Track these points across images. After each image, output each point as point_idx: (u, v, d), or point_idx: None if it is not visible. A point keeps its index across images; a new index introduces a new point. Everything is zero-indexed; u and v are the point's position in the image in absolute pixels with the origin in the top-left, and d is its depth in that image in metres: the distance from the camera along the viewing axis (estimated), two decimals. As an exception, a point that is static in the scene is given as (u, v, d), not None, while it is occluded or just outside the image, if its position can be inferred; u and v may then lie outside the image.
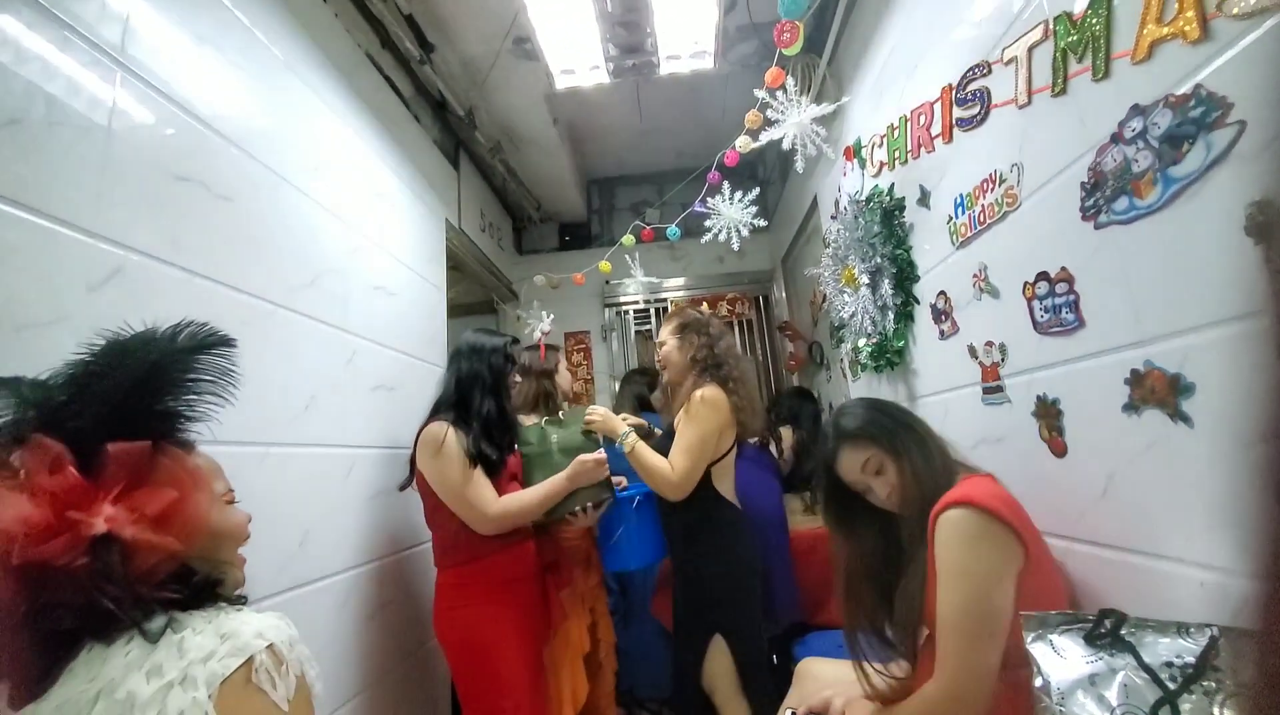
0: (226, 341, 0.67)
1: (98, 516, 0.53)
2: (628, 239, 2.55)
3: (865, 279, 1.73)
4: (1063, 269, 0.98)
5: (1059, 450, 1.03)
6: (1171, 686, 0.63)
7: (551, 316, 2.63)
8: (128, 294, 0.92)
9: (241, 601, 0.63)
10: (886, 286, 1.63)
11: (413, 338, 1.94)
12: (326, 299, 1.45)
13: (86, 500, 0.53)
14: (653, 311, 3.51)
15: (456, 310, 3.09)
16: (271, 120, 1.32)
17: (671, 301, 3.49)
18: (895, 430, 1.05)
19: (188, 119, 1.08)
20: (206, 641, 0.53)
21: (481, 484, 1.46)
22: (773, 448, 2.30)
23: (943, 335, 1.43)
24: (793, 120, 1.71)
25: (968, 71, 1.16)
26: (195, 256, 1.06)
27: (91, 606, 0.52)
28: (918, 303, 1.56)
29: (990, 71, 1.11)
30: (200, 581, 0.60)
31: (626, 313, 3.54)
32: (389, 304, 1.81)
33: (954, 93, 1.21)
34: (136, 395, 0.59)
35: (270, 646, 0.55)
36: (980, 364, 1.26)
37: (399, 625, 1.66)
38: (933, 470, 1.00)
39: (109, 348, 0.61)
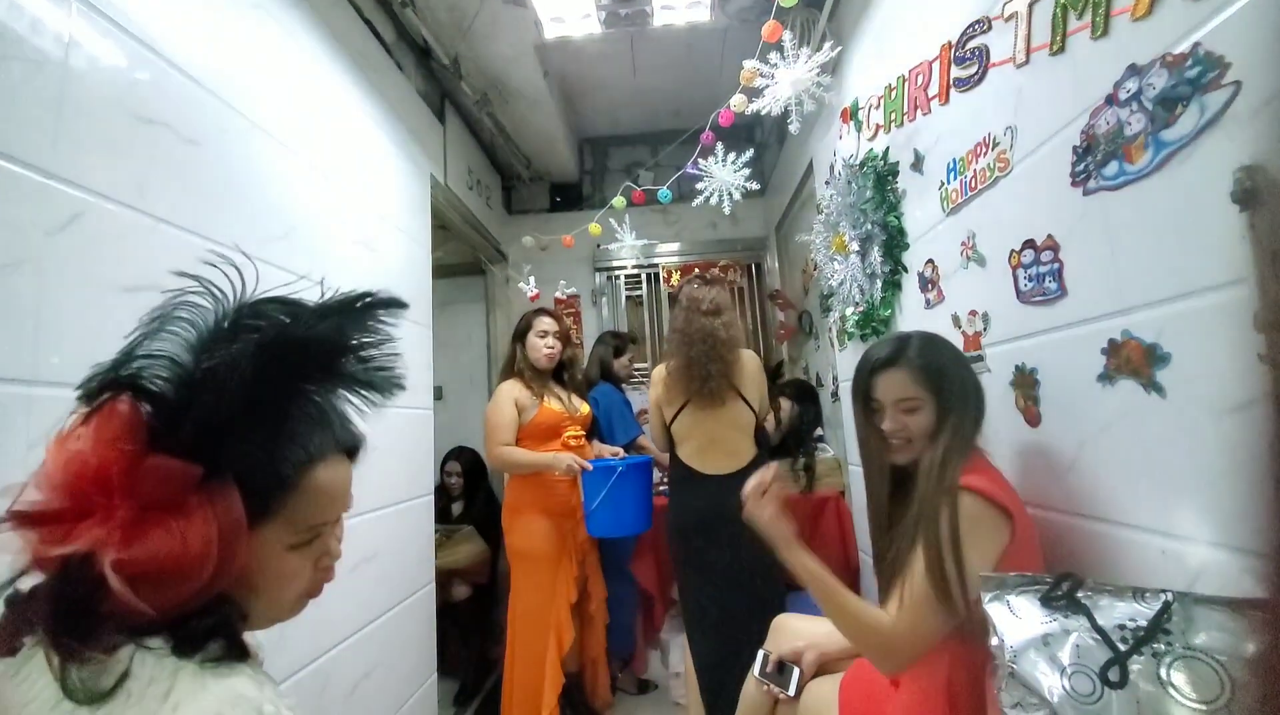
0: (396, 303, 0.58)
1: (84, 533, 0.41)
2: (618, 201, 2.49)
3: (855, 246, 1.71)
4: (1049, 237, 0.97)
5: (1033, 419, 1.04)
6: (1122, 648, 0.65)
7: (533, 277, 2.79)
8: (90, 239, 0.89)
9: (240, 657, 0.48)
10: (876, 254, 1.61)
11: (396, 295, 1.91)
12: (301, 252, 1.41)
13: (99, 502, 0.43)
14: (644, 276, 3.47)
15: (443, 271, 3.04)
16: (240, 62, 1.26)
17: (663, 267, 3.45)
18: (956, 390, 0.97)
19: (150, 56, 1.03)
20: (149, 707, 0.41)
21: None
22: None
23: (928, 304, 1.42)
24: (788, 78, 1.65)
25: (968, 27, 1.11)
26: (160, 202, 1.02)
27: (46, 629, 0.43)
28: (906, 271, 1.54)
29: (990, 28, 1.07)
30: (200, 629, 0.46)
31: (618, 277, 3.50)
32: (371, 260, 1.77)
33: (953, 50, 1.17)
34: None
35: None
36: (963, 333, 1.25)
37: (385, 577, 1.68)
38: (960, 444, 0.95)
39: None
